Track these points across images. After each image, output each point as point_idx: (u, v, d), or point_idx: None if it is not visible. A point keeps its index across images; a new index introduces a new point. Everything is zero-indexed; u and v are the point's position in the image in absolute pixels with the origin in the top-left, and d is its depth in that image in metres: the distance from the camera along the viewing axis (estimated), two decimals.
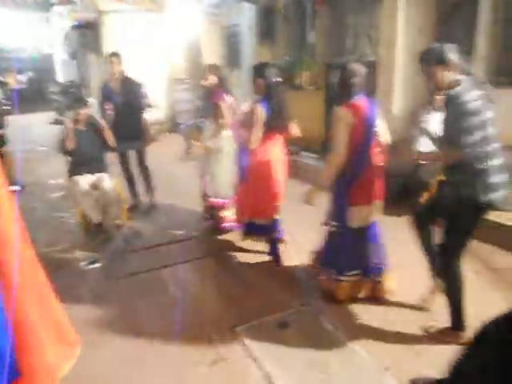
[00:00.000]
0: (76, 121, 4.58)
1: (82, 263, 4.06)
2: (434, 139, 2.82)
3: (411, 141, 4.77)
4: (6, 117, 6.45)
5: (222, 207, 4.45)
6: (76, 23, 12.20)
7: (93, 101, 4.68)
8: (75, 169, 4.65)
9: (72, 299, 3.35)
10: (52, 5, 14.28)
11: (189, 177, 4.82)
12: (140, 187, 5.51)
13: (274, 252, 3.83)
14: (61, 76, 17.08)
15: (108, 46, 9.40)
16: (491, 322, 1.49)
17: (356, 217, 3.06)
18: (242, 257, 4.11)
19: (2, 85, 7.24)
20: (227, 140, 4.31)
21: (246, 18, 8.80)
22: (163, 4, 10.55)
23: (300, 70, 7.32)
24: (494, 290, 3.34)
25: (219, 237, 4.52)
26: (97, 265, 4.03)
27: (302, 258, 3.74)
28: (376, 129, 3.02)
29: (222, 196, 4.43)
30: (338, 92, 3.02)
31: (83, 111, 4.62)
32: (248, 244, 4.18)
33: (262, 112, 3.43)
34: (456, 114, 2.44)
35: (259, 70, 3.56)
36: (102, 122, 4.77)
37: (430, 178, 3.33)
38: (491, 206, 2.52)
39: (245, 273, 3.82)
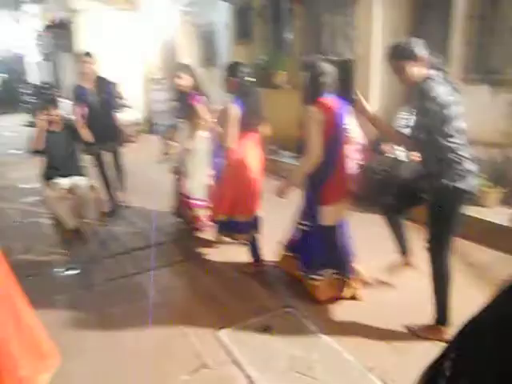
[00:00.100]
0: (49, 122, 4.44)
1: (58, 270, 3.93)
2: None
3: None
4: None
5: (197, 207, 4.40)
6: (49, 23, 11.91)
7: (67, 102, 4.55)
8: (49, 172, 4.51)
9: (48, 308, 3.25)
10: (21, 3, 13.91)
11: (166, 179, 4.73)
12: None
13: (253, 251, 3.78)
14: (35, 77, 16.69)
15: (81, 46, 9.20)
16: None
17: (328, 215, 3.07)
18: (221, 258, 4.06)
19: None
20: (202, 140, 4.28)
21: (222, 17, 8.72)
22: (137, 2, 10.39)
23: (277, 68, 7.29)
24: (475, 286, 3.36)
25: (197, 239, 4.46)
26: (73, 271, 3.91)
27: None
28: (347, 127, 3.02)
29: (197, 196, 4.38)
30: (308, 91, 3.01)
31: (55, 112, 4.48)
32: (226, 244, 4.13)
33: (235, 111, 3.40)
34: (428, 107, 2.46)
35: (232, 70, 3.54)
36: (77, 119, 4.63)
37: (409, 174, 3.35)
38: (467, 193, 2.59)
39: (225, 275, 3.77)
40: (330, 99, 2.96)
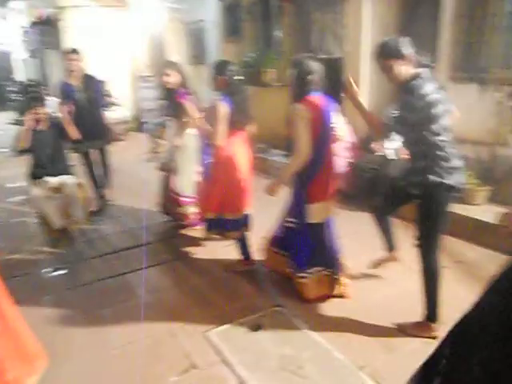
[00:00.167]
0: (36, 121, 4.38)
1: (45, 270, 3.88)
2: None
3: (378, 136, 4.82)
4: None
5: (187, 204, 4.38)
6: (35, 20, 11.75)
7: (54, 99, 4.49)
8: (36, 171, 4.45)
9: (35, 309, 3.21)
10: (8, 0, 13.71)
11: (155, 177, 4.70)
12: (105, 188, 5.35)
13: (243, 249, 3.77)
14: (22, 75, 16.46)
15: (68, 43, 9.09)
16: None
17: (315, 213, 3.09)
18: (209, 257, 4.04)
19: None
20: (191, 137, 4.27)
21: (211, 14, 8.68)
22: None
23: (266, 66, 7.27)
24: (463, 284, 3.38)
25: (186, 237, 4.45)
26: (60, 272, 3.86)
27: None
28: (333, 125, 3.03)
29: (187, 193, 4.37)
30: (295, 89, 3.02)
31: (42, 110, 4.42)
32: (215, 243, 4.12)
33: (224, 108, 3.39)
34: (415, 104, 2.49)
35: (220, 68, 3.54)
36: (64, 117, 4.56)
37: (398, 172, 3.36)
38: (454, 190, 2.63)
39: (214, 274, 3.75)
40: (317, 97, 2.97)
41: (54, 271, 3.86)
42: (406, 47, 2.58)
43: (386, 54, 2.61)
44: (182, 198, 4.38)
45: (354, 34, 5.67)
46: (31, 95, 9.27)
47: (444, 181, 2.57)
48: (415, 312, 2.83)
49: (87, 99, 4.94)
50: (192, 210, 4.36)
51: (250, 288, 3.49)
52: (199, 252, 4.15)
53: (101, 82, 5.19)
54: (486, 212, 4.20)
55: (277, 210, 3.47)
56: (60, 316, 3.20)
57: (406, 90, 2.55)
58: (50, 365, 2.55)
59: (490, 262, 3.66)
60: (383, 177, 4.56)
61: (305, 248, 3.18)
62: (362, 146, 5.49)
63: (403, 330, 2.86)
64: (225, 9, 8.32)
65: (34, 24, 12.13)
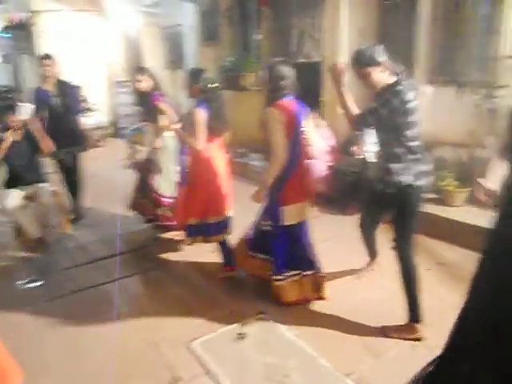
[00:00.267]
0: (10, 129, 4.22)
1: (20, 282, 3.74)
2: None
3: (357, 140, 4.83)
4: None
5: (168, 205, 4.34)
6: (8, 24, 11.47)
7: (28, 105, 4.37)
8: (10, 181, 4.30)
9: (9, 324, 3.09)
10: None
11: (133, 183, 4.60)
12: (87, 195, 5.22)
13: (224, 253, 3.72)
14: None
15: (43, 48, 8.90)
16: None
17: (290, 215, 3.11)
18: (190, 264, 3.98)
19: None
20: (169, 139, 4.24)
21: (188, 18, 8.61)
22: (100, 4, 10.14)
23: (244, 70, 7.24)
24: (445, 285, 3.39)
25: (165, 243, 4.38)
26: (36, 283, 3.73)
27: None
28: (304, 130, 3.10)
29: (168, 193, 4.33)
30: (268, 94, 3.06)
31: (15, 118, 4.27)
32: (195, 248, 4.03)
33: (202, 114, 3.39)
34: (399, 111, 2.57)
35: (194, 76, 3.55)
36: (38, 130, 4.43)
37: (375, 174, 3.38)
38: (425, 191, 2.78)
39: (195, 281, 3.68)
40: (289, 102, 3.01)
41: (29, 282, 3.72)
42: (382, 54, 2.65)
43: (362, 62, 2.67)
44: (163, 199, 4.35)
45: (332, 38, 5.69)
46: (4, 102, 9.02)
47: (417, 183, 2.68)
48: (399, 315, 2.83)
49: (63, 105, 4.84)
50: (170, 212, 4.32)
51: (232, 295, 3.43)
52: (179, 259, 4.08)
53: (76, 88, 5.09)
54: (465, 213, 4.24)
55: (256, 212, 3.44)
56: (35, 329, 3.08)
57: (388, 94, 2.58)
58: (25, 381, 2.43)
59: (470, 263, 3.67)
60: (364, 180, 4.56)
61: (281, 251, 3.19)
62: (342, 150, 5.50)
63: (388, 334, 2.84)
64: (202, 13, 8.27)
65: (7, 28, 11.86)
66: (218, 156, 3.58)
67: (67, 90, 4.93)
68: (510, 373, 1.64)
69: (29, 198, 4.21)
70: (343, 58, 5.54)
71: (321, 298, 3.27)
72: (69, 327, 3.10)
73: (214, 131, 3.48)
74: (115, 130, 10.36)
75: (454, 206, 4.44)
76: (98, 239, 4.61)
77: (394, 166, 2.70)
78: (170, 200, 4.33)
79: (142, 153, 4.38)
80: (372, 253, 3.49)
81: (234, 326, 3.01)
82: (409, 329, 2.80)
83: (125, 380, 2.56)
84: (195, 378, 2.54)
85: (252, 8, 7.25)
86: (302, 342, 2.81)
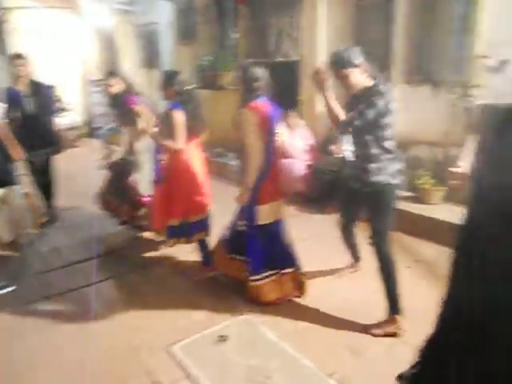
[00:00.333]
0: None
1: None
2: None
3: (335, 139, 4.86)
4: None
5: (147, 204, 4.30)
6: None
7: (1, 105, 4.24)
8: None
9: None
10: None
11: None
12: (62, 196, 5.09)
13: (203, 252, 3.74)
14: None
15: (15, 46, 8.65)
16: None
17: (265, 214, 3.14)
18: (170, 265, 3.92)
19: None
20: (146, 141, 4.17)
21: (164, 16, 8.50)
22: (74, 1, 9.91)
23: (222, 69, 7.19)
24: (424, 282, 3.42)
25: (142, 245, 4.31)
26: (9, 288, 3.60)
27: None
28: (277, 131, 3.15)
29: (146, 193, 4.31)
30: (242, 95, 3.08)
31: None
32: (175, 249, 3.99)
33: (181, 116, 3.41)
34: (384, 112, 2.65)
35: (169, 78, 3.53)
36: (7, 138, 4.28)
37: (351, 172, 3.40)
38: (398, 189, 2.88)
39: (175, 284, 3.62)
40: (262, 103, 3.03)
41: (1, 288, 3.59)
42: (359, 56, 2.71)
43: (341, 64, 2.71)
44: (144, 199, 4.33)
45: (310, 37, 5.69)
46: None
47: (392, 181, 2.79)
48: (380, 314, 2.85)
49: (36, 106, 4.69)
50: (147, 212, 4.28)
51: (212, 297, 3.38)
52: (156, 260, 4.02)
53: (50, 88, 4.95)
54: (442, 211, 4.30)
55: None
56: (10, 336, 2.98)
57: (374, 94, 2.65)
58: None
59: (448, 260, 3.73)
60: (342, 179, 4.58)
61: (258, 250, 3.20)
62: (321, 149, 5.52)
63: (369, 331, 2.86)
64: (178, 11, 8.18)
65: None
66: (195, 156, 3.61)
67: (41, 91, 4.79)
68: (492, 370, 1.65)
69: (0, 201, 4.08)
70: (321, 58, 5.56)
71: (302, 293, 3.28)
72: (44, 334, 3.00)
73: (191, 132, 3.50)
74: (90, 130, 10.15)
75: (430, 204, 4.50)
76: (74, 242, 4.49)
77: (371, 166, 2.78)
78: (149, 199, 4.28)
79: (118, 153, 4.29)
80: (354, 254, 3.53)
81: (216, 328, 2.97)
82: (390, 322, 2.84)
83: None
84: (175, 383, 2.49)
85: (229, 6, 7.20)
86: (284, 343, 2.79)
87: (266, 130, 3.01)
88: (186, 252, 3.92)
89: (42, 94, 4.79)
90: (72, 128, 9.03)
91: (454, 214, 4.03)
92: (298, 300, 3.27)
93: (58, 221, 5.01)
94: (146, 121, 4.02)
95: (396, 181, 2.81)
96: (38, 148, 4.67)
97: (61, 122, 5.07)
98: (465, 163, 2.19)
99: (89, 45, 10.36)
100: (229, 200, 3.25)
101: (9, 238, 4.07)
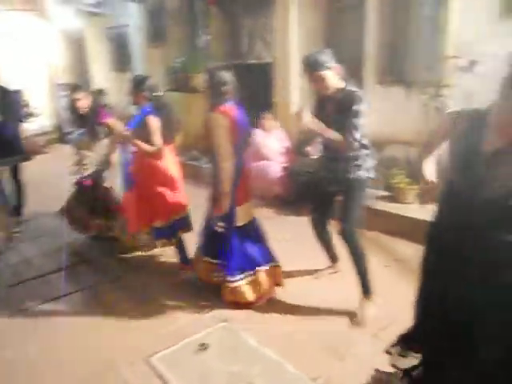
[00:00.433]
0: None
1: None
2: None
3: (311, 140, 4.85)
4: None
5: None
6: None
7: None
8: None
9: None
10: None
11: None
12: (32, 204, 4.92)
13: (181, 252, 3.74)
14: None
15: None
16: None
17: (240, 216, 3.17)
18: (144, 272, 3.84)
19: None
20: (119, 150, 4.06)
21: (134, 19, 8.36)
22: (39, 3, 9.65)
23: (194, 71, 7.11)
24: (403, 281, 3.44)
25: (112, 254, 4.20)
26: None
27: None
28: (248, 133, 3.23)
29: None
30: (210, 98, 3.08)
31: None
32: (147, 255, 3.98)
33: (156, 122, 3.43)
34: (358, 113, 2.75)
35: (138, 84, 3.51)
36: None
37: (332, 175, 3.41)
38: (370, 182, 3.07)
39: (152, 292, 3.52)
40: (230, 107, 3.04)
41: None
42: (331, 58, 2.77)
43: (314, 66, 2.78)
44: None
45: (282, 39, 5.68)
46: None
47: (368, 175, 2.98)
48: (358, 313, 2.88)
49: (2, 111, 4.53)
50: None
51: (191, 303, 3.31)
52: (129, 268, 3.94)
53: (17, 92, 4.79)
54: (417, 210, 4.33)
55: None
56: None
57: (348, 98, 2.75)
58: None
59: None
60: (317, 179, 4.58)
61: (234, 252, 3.20)
62: (297, 150, 5.51)
63: (352, 324, 2.96)
64: (148, 13, 8.06)
65: None
66: (170, 161, 3.63)
67: (7, 96, 4.64)
68: (464, 354, 1.74)
69: None
70: (294, 59, 5.57)
71: (279, 285, 3.37)
72: (16, 350, 2.87)
73: (165, 138, 3.50)
74: (60, 135, 9.90)
75: (405, 203, 4.54)
76: (44, 252, 4.33)
77: (349, 163, 2.92)
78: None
79: (89, 159, 4.18)
80: (331, 253, 3.54)
81: (196, 336, 2.90)
82: (364, 303, 3.03)
83: None
84: None
85: (200, 7, 7.12)
86: (266, 348, 2.76)
87: (236, 133, 3.02)
88: (160, 255, 3.92)
89: (8, 99, 4.64)
90: (41, 133, 8.79)
91: (429, 212, 4.08)
92: (277, 303, 3.24)
93: (28, 230, 4.83)
94: (120, 133, 3.94)
95: (371, 175, 3.01)
96: (5, 156, 4.51)
97: (29, 127, 4.92)
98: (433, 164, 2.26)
99: (56, 48, 10.11)
100: (204, 202, 3.25)
101: None
